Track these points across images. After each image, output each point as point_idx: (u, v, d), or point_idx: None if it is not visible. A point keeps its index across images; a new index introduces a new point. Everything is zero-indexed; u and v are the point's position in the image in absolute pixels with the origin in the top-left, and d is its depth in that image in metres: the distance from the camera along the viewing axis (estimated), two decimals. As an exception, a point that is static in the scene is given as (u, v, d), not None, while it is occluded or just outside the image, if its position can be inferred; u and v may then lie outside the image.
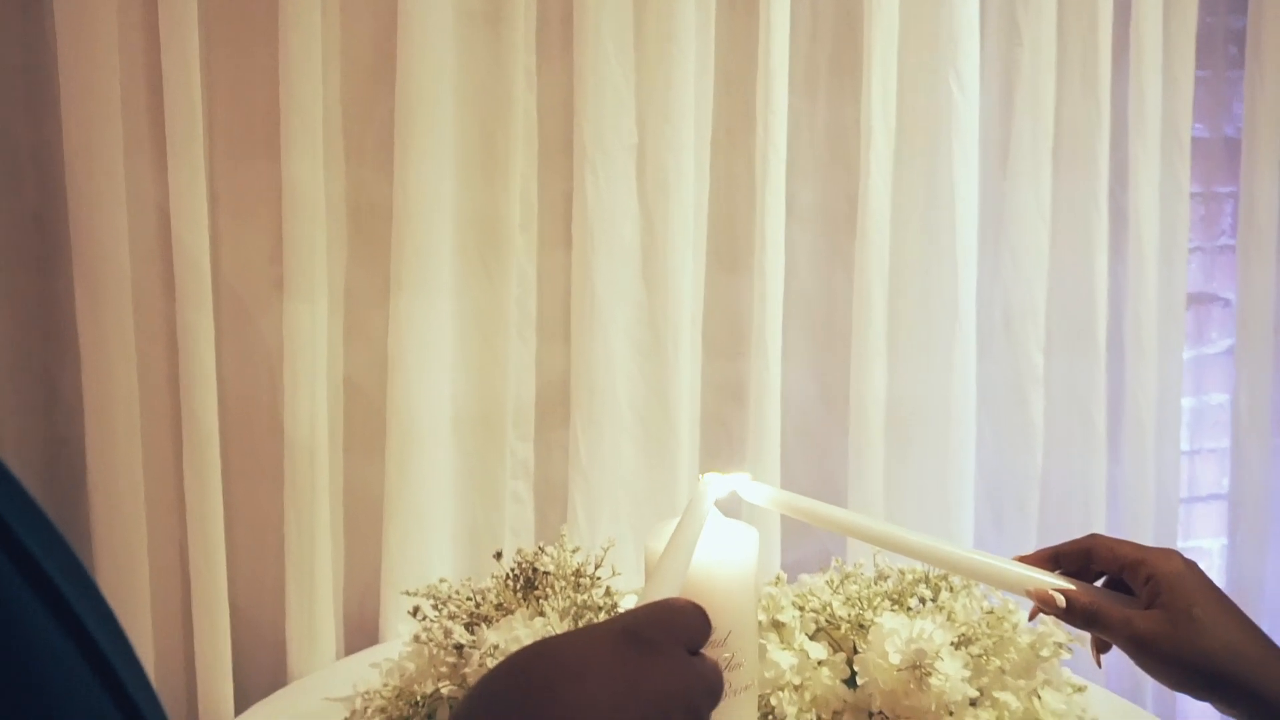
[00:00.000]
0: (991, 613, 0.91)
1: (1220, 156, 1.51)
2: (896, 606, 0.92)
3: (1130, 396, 1.39)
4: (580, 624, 0.88)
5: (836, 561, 0.99)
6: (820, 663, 0.90)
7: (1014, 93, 1.33)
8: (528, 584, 0.93)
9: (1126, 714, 1.02)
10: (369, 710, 0.89)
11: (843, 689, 0.89)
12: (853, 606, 0.91)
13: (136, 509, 1.08)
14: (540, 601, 0.90)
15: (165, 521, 1.12)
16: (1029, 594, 0.68)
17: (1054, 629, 0.90)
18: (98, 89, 1.03)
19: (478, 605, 0.93)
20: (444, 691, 0.88)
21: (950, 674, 0.84)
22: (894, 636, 0.86)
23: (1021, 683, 0.88)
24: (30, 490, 0.29)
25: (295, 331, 1.11)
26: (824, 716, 0.89)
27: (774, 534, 1.27)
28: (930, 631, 0.86)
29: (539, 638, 0.69)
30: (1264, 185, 1.43)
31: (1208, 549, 1.59)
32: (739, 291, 1.28)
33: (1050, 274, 1.35)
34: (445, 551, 1.21)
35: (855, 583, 0.95)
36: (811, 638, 0.92)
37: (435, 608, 0.93)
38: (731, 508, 0.72)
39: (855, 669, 0.88)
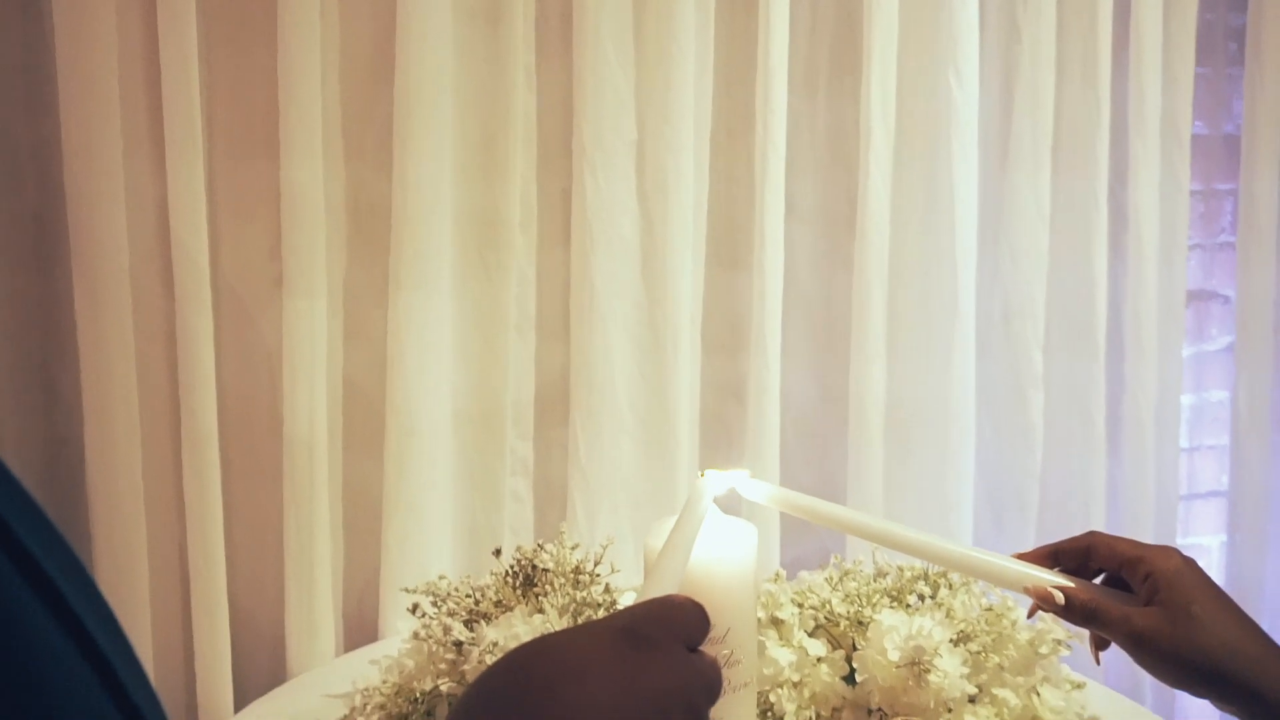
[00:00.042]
0: (990, 610, 0.91)
1: (1220, 154, 1.51)
2: (895, 603, 0.92)
3: (1130, 394, 1.39)
4: (579, 621, 0.89)
5: (835, 559, 1.00)
6: (819, 660, 0.90)
7: (1013, 91, 1.33)
8: (527, 581, 0.93)
9: (1125, 711, 1.02)
10: (368, 707, 0.89)
11: (841, 686, 0.89)
12: (852, 603, 0.91)
13: (136, 507, 1.08)
14: (539, 599, 0.90)
15: (165, 520, 1.12)
16: (1028, 591, 0.68)
17: (1053, 626, 0.90)
18: (97, 88, 1.03)
19: (477, 602, 0.93)
20: (443, 688, 0.88)
21: (949, 671, 0.84)
22: (893, 633, 0.86)
23: (1020, 679, 0.88)
24: (30, 489, 0.29)
25: (294, 330, 1.11)
26: (823, 713, 0.89)
27: (773, 531, 1.27)
28: (929, 628, 0.86)
29: (538, 635, 0.69)
30: (1264, 182, 1.43)
31: (1207, 546, 1.59)
32: (738, 290, 1.28)
33: (1050, 272, 1.35)
34: (445, 549, 1.21)
35: (854, 580, 0.95)
36: (810, 635, 0.92)
37: (434, 605, 0.94)
38: (731, 505, 0.72)
39: (854, 666, 0.88)
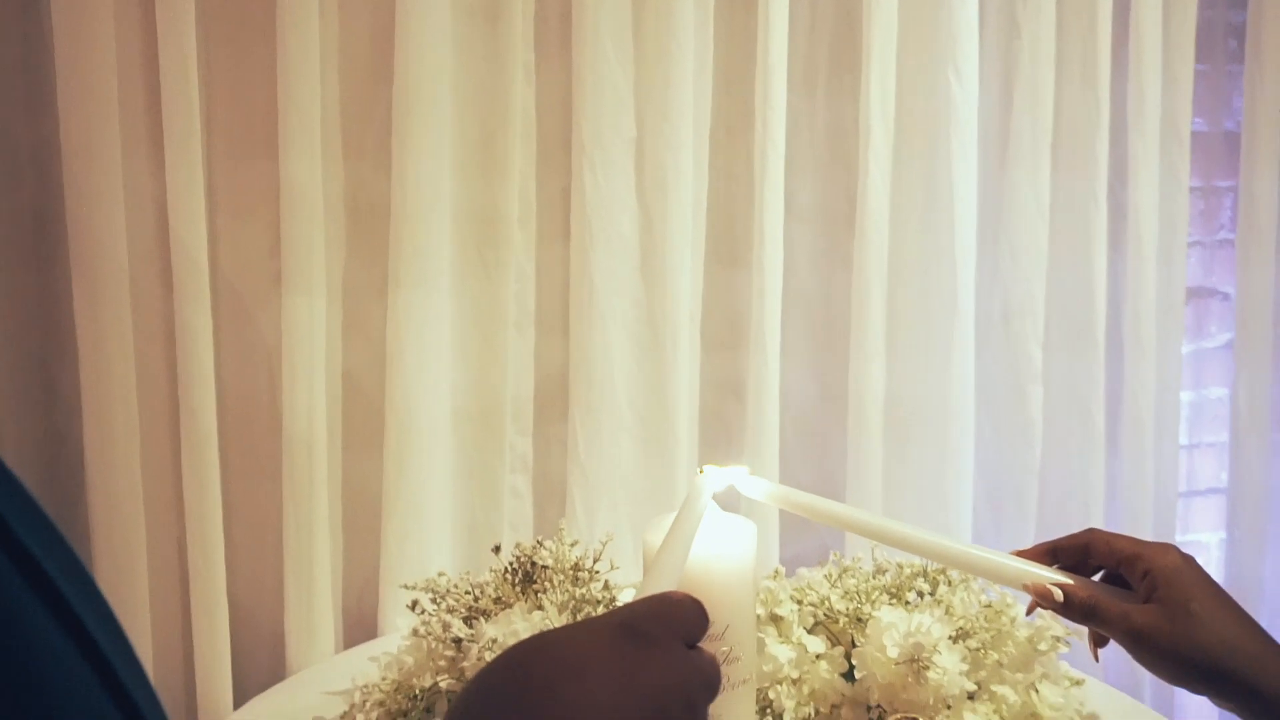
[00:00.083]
0: (989, 606, 0.91)
1: (1220, 151, 1.51)
2: (894, 600, 0.92)
3: (1129, 392, 1.39)
4: (579, 618, 0.89)
5: (835, 555, 1.00)
6: (818, 656, 0.90)
7: (1013, 89, 1.33)
8: (526, 578, 0.93)
9: (1124, 708, 1.02)
10: (367, 704, 0.89)
11: (841, 683, 0.89)
12: (851, 600, 0.92)
13: (135, 505, 1.08)
14: (538, 595, 0.90)
15: (164, 517, 1.12)
16: (1027, 588, 0.68)
17: (1052, 623, 0.90)
18: (96, 87, 1.03)
19: (476, 599, 0.93)
20: (442, 685, 0.88)
21: (948, 667, 0.84)
22: (892, 630, 0.86)
23: (1019, 676, 0.88)
24: (29, 487, 0.29)
25: (294, 328, 1.11)
26: (822, 710, 0.89)
27: (773, 528, 1.27)
28: (928, 625, 0.86)
29: (537, 631, 0.69)
30: (1263, 179, 1.43)
31: (1206, 543, 1.59)
32: (738, 287, 1.28)
33: (1049, 270, 1.35)
34: (444, 546, 1.21)
35: (853, 577, 0.95)
36: (810, 631, 0.92)
37: (434, 601, 0.94)
38: (730, 502, 0.72)
39: (853, 663, 0.88)
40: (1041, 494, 1.38)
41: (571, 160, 1.21)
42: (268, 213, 1.11)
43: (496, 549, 0.96)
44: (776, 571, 0.97)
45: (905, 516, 1.31)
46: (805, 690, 0.89)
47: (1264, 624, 0.64)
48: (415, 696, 0.88)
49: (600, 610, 0.90)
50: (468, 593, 0.94)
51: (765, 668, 0.88)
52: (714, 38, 1.23)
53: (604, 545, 0.96)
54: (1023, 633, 0.90)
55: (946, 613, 0.90)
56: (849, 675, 0.89)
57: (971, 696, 0.86)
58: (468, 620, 0.91)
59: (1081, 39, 1.32)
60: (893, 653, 0.85)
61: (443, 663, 0.89)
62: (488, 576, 0.95)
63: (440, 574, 0.96)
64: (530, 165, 1.21)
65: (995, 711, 0.86)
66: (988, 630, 0.89)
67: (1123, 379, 1.40)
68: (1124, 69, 1.35)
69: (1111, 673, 1.30)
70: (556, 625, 0.87)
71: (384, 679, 0.91)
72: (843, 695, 0.89)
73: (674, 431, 1.25)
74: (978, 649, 0.87)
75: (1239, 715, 0.62)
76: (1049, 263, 1.35)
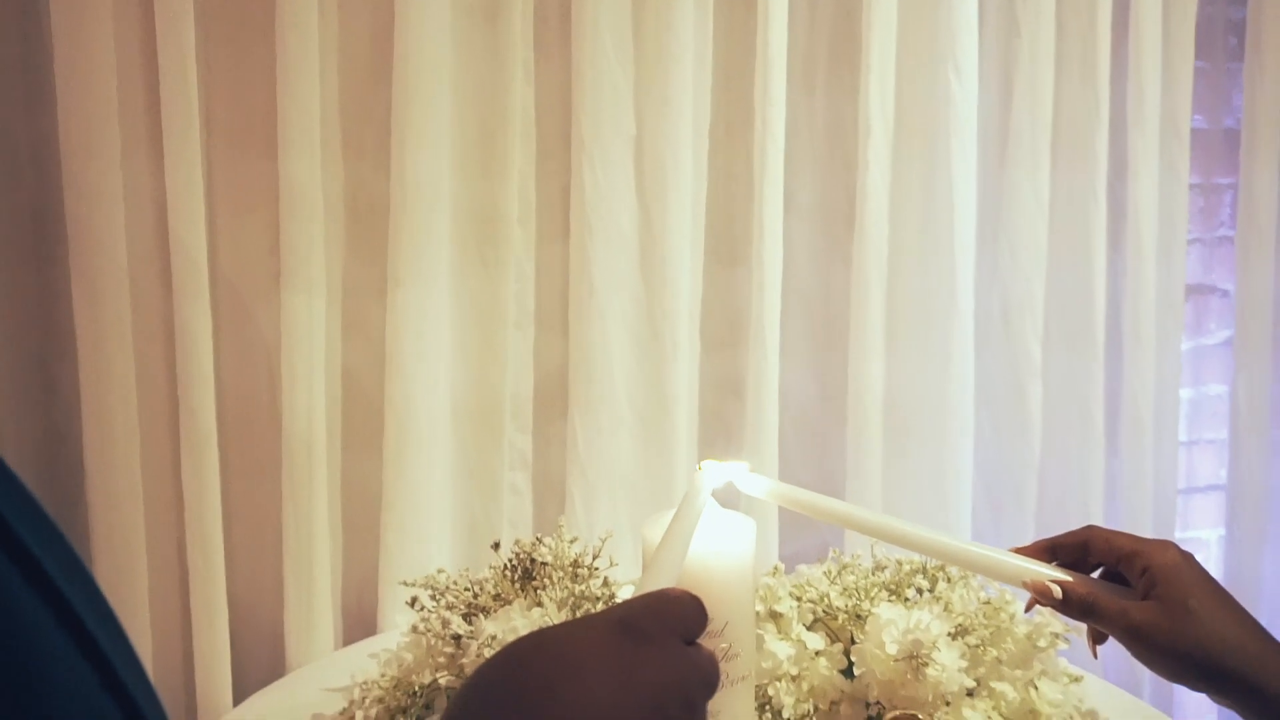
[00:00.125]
0: (988, 603, 0.91)
1: (1219, 148, 1.51)
2: (894, 597, 0.92)
3: (1128, 389, 1.39)
4: (578, 614, 0.89)
5: (834, 552, 1.00)
6: (817, 653, 0.90)
7: (1012, 86, 1.33)
8: (525, 575, 0.93)
9: (1123, 704, 1.02)
10: (367, 700, 0.89)
11: (840, 679, 0.89)
12: (850, 597, 0.92)
13: (135, 503, 1.08)
14: (538, 592, 0.90)
15: (164, 516, 1.12)
16: (1025, 585, 0.68)
17: (1051, 620, 0.90)
18: (95, 86, 1.03)
19: (475, 596, 0.93)
20: (441, 682, 0.88)
21: (947, 664, 0.84)
22: (891, 627, 0.86)
23: (1018, 673, 0.88)
24: (29, 486, 0.29)
25: (293, 326, 1.11)
26: (821, 706, 0.89)
27: (772, 525, 1.28)
28: (927, 622, 0.86)
29: (536, 628, 0.69)
30: (1263, 177, 1.43)
31: (1205, 540, 1.59)
32: (737, 285, 1.28)
33: (1049, 267, 1.35)
34: (443, 543, 1.21)
35: (853, 573, 0.95)
36: (809, 628, 0.92)
37: (433, 598, 0.94)
38: (729, 499, 0.72)
39: (852, 659, 0.89)
40: (1041, 491, 1.39)
41: (571, 158, 1.21)
42: (267, 212, 1.11)
43: (496, 546, 0.96)
44: (776, 568, 0.97)
45: (904, 513, 1.31)
46: (804, 687, 0.89)
47: (1263, 621, 0.64)
48: (414, 693, 0.88)
49: (599, 607, 0.91)
50: (467, 589, 0.94)
51: (764, 664, 0.88)
52: (713, 35, 1.23)
53: (603, 542, 0.96)
54: (1022, 629, 0.90)
55: (945, 609, 0.90)
56: (848, 672, 0.90)
57: (970, 693, 0.86)
58: (467, 617, 0.91)
59: (1081, 36, 1.32)
60: (892, 649, 0.85)
61: (442, 659, 0.89)
62: (487, 573, 0.95)
63: (440, 571, 0.96)
64: (530, 163, 1.21)
65: (994, 708, 0.86)
66: (987, 627, 0.89)
67: (1122, 376, 1.40)
68: (1123, 66, 1.35)
69: (1110, 670, 1.30)
70: (556, 622, 0.87)
71: (383, 676, 0.91)
72: (842, 692, 0.89)
73: (673, 429, 1.25)
74: (977, 646, 0.88)
75: (1237, 712, 0.62)
76: (1048, 260, 1.35)
